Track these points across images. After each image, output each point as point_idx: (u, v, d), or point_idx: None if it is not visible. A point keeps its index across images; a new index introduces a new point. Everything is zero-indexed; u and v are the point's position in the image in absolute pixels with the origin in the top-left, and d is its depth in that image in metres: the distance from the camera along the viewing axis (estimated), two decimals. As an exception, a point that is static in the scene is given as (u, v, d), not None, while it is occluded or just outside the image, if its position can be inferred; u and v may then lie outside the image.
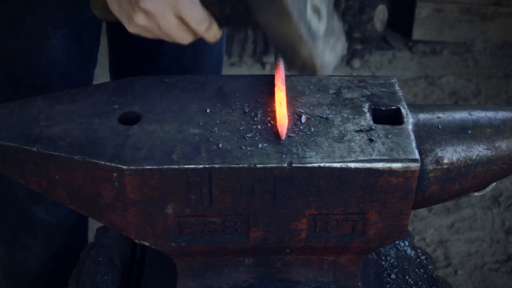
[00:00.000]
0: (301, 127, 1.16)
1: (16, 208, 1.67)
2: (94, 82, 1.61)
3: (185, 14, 1.08)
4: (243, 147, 1.12)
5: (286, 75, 1.26)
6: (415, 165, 1.11)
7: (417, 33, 3.47)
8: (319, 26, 1.01)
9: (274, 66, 1.24)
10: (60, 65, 1.49)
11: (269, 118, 1.17)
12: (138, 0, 1.07)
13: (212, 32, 1.12)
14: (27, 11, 1.41)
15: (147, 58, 1.65)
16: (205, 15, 1.09)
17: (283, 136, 1.12)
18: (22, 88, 1.49)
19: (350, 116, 1.19)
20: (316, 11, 1.01)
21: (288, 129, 1.14)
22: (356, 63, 3.37)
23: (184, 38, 1.12)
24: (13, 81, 1.50)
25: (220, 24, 1.11)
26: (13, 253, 1.76)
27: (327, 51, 1.04)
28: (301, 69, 1.05)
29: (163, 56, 1.64)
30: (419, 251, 1.51)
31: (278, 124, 1.14)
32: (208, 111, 1.19)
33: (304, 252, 1.23)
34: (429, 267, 1.48)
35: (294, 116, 1.18)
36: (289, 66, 1.07)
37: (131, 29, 1.12)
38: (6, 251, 1.76)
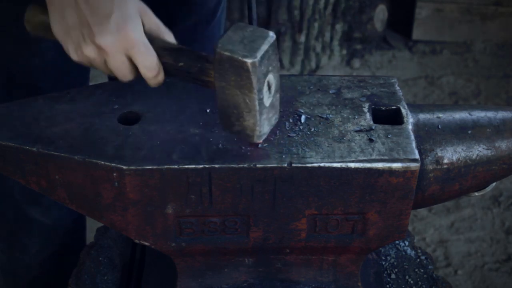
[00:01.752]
0: (301, 127, 1.16)
1: (12, 209, 1.67)
2: (94, 82, 1.61)
3: (138, 59, 1.09)
4: (243, 147, 1.12)
5: (286, 76, 1.27)
6: (415, 165, 1.11)
7: (417, 33, 3.47)
8: (267, 100, 1.07)
9: None
10: (55, 66, 1.49)
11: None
12: (93, 35, 1.06)
13: (157, 80, 1.12)
14: (20, 12, 1.41)
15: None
16: (157, 63, 1.10)
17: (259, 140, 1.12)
18: (17, 90, 1.49)
19: (350, 116, 1.19)
20: (269, 86, 1.07)
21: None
22: (356, 63, 3.37)
23: (126, 76, 1.12)
24: (7, 82, 1.49)
25: (168, 74, 1.13)
26: (11, 254, 1.76)
27: (266, 122, 1.09)
28: (237, 133, 1.10)
29: None
30: (419, 251, 1.51)
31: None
32: (208, 111, 1.19)
33: (304, 252, 1.23)
34: (429, 267, 1.48)
35: (294, 116, 1.18)
36: (226, 126, 1.10)
37: (75, 57, 1.11)
38: (4, 251, 1.76)
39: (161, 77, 1.12)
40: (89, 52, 1.09)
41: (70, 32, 1.09)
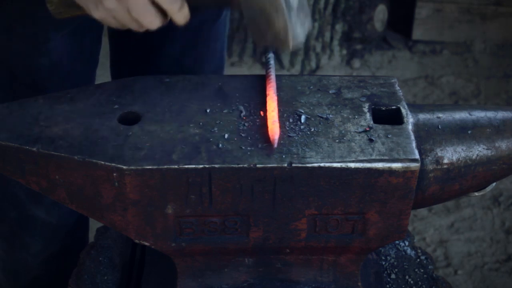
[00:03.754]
0: (301, 127, 1.16)
1: (15, 208, 1.67)
2: (95, 82, 1.61)
3: None
4: (243, 147, 1.12)
5: (286, 76, 1.27)
6: (415, 165, 1.11)
7: (417, 33, 3.47)
8: (293, 0, 1.05)
9: (266, 77, 1.24)
10: (61, 66, 1.49)
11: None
12: None
13: (183, 13, 1.11)
14: (28, 12, 1.41)
15: (149, 59, 1.65)
16: None
17: (275, 145, 1.12)
18: (23, 89, 1.49)
19: (350, 116, 1.19)
20: None
21: (280, 138, 1.13)
22: (356, 63, 3.37)
23: (152, 21, 1.11)
24: (14, 82, 1.50)
25: (192, 5, 1.11)
26: (13, 253, 1.76)
27: (298, 24, 1.06)
28: (272, 42, 1.07)
29: (164, 57, 1.64)
30: (419, 251, 1.51)
31: (270, 133, 1.13)
32: (208, 111, 1.19)
33: (304, 252, 1.23)
34: (429, 267, 1.48)
35: (294, 116, 1.18)
36: (260, 39, 1.08)
37: (97, 13, 1.10)
38: (6, 250, 1.76)
39: (186, 10, 1.11)
40: (110, 3, 1.08)
41: None
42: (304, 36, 1.08)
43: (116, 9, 1.09)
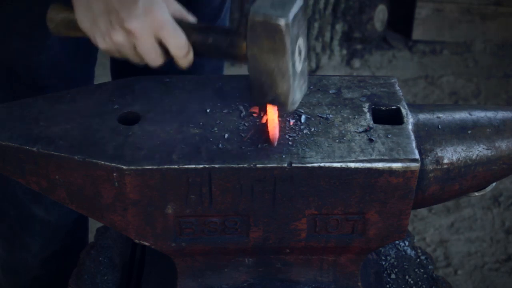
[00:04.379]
0: (301, 127, 1.16)
1: (15, 207, 1.67)
2: (95, 82, 1.61)
3: (167, 39, 1.10)
4: (243, 147, 1.12)
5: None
6: (415, 165, 1.11)
7: (417, 33, 3.47)
8: (298, 65, 1.08)
9: None
10: (60, 64, 1.49)
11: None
12: (122, 20, 1.08)
13: (188, 59, 1.14)
14: (26, 10, 1.41)
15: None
16: (186, 42, 1.12)
17: (275, 143, 1.12)
18: (22, 88, 1.49)
19: (350, 116, 1.19)
20: (300, 51, 1.08)
21: (279, 137, 1.13)
22: (356, 63, 3.37)
23: (156, 59, 1.13)
24: (13, 81, 1.50)
25: (197, 53, 1.14)
26: (13, 252, 1.76)
27: (298, 90, 1.09)
28: (271, 102, 1.10)
29: None
30: (419, 251, 1.51)
31: (270, 132, 1.13)
32: (208, 111, 1.19)
33: (304, 252, 1.23)
34: (429, 267, 1.48)
35: (294, 116, 1.18)
36: (259, 98, 1.11)
37: (103, 45, 1.12)
38: (6, 250, 1.76)
39: (191, 56, 1.13)
40: (118, 37, 1.10)
41: (97, 21, 1.10)
42: (301, 98, 1.11)
43: (123, 43, 1.10)
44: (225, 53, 1.12)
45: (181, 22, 1.12)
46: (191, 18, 1.15)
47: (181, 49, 1.11)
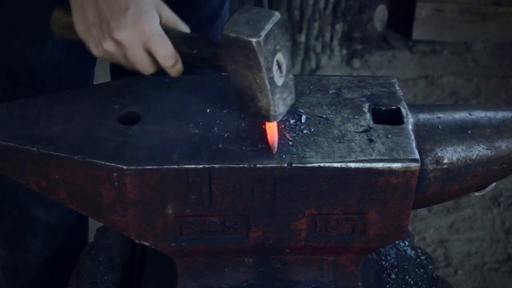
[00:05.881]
0: (301, 127, 1.16)
1: (15, 207, 1.67)
2: (94, 82, 1.61)
3: (154, 50, 1.12)
4: (243, 147, 1.12)
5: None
6: (415, 165, 1.11)
7: (417, 33, 3.47)
8: (279, 79, 1.09)
9: None
10: (60, 64, 1.49)
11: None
12: (111, 31, 1.09)
13: (176, 69, 1.15)
14: (26, 11, 1.41)
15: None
16: (173, 52, 1.13)
17: (274, 150, 1.12)
18: (22, 88, 1.49)
19: (350, 116, 1.19)
20: (279, 66, 1.08)
21: (278, 143, 1.14)
22: (356, 63, 3.37)
23: (147, 69, 1.15)
24: (13, 81, 1.50)
25: (185, 62, 1.16)
26: (13, 252, 1.76)
27: (281, 102, 1.10)
28: (253, 115, 1.11)
29: None
30: (419, 251, 1.51)
31: (269, 139, 1.13)
32: (208, 111, 1.19)
33: (304, 252, 1.23)
34: (429, 267, 1.48)
35: (294, 116, 1.18)
36: (242, 110, 1.13)
37: (96, 52, 1.14)
38: (6, 250, 1.76)
39: (179, 66, 1.15)
40: (109, 47, 1.12)
41: (91, 29, 1.12)
42: (286, 110, 1.12)
43: (114, 52, 1.13)
44: (209, 64, 1.14)
45: (170, 32, 1.13)
46: (184, 27, 1.16)
47: (168, 60, 1.13)
